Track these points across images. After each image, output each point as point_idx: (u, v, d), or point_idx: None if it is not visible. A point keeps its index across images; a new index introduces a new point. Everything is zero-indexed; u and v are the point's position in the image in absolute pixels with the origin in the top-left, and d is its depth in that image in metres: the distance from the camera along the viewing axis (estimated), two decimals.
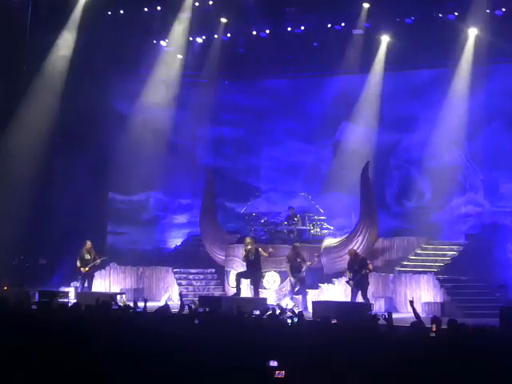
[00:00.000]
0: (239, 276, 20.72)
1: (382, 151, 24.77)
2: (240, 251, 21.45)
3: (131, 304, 15.04)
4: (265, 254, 20.47)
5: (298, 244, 20.77)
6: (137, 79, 26.03)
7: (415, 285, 20.35)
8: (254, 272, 20.40)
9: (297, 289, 20.25)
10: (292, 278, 20.21)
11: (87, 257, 21.77)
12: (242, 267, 20.98)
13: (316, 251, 21.30)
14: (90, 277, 21.85)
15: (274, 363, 7.79)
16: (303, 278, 20.27)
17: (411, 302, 13.15)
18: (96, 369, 8.13)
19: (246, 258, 20.45)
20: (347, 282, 19.50)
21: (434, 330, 11.24)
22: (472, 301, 19.33)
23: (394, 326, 11.80)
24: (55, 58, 24.44)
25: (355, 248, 20.51)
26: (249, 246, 20.43)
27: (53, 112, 24.27)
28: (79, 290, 21.60)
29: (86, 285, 21.75)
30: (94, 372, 8.09)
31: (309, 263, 20.34)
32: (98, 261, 21.90)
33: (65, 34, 24.30)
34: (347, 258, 20.13)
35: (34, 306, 14.62)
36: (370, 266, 19.36)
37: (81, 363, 8.20)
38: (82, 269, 21.68)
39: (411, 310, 12.98)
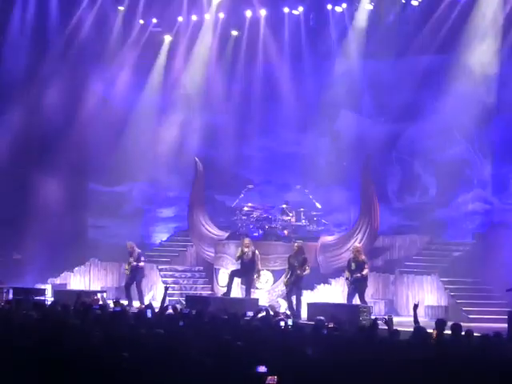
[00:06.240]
0: (233, 274, 20.52)
1: (383, 142, 24.55)
2: (231, 248, 21.49)
3: (111, 303, 15.04)
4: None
5: (301, 242, 20.01)
6: (119, 62, 25.96)
7: (418, 287, 20.41)
8: (248, 271, 20.21)
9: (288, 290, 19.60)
10: (286, 281, 19.54)
11: (130, 259, 21.08)
12: (232, 265, 20.88)
13: (313, 250, 21.08)
14: (137, 281, 21.06)
15: (262, 369, 7.74)
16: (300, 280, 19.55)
17: (415, 306, 13.22)
18: (70, 373, 8.09)
19: (241, 259, 20.25)
20: (346, 279, 19.29)
21: (435, 337, 11.23)
22: (478, 304, 19.42)
23: (395, 331, 11.86)
24: None
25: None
26: (246, 249, 20.11)
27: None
28: (126, 298, 20.58)
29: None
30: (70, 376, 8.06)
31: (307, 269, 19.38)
32: (142, 263, 21.12)
33: None
34: (345, 256, 20.12)
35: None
36: (365, 272, 18.96)
37: (56, 367, 8.18)
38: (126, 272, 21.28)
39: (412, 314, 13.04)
